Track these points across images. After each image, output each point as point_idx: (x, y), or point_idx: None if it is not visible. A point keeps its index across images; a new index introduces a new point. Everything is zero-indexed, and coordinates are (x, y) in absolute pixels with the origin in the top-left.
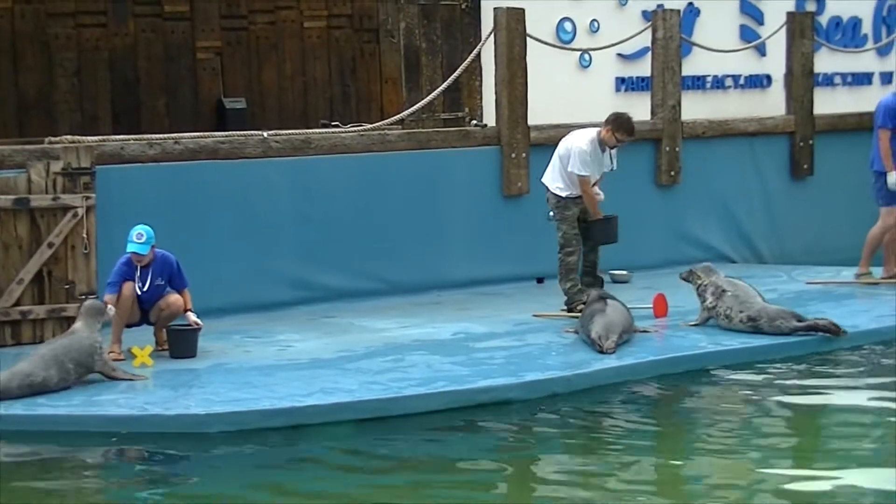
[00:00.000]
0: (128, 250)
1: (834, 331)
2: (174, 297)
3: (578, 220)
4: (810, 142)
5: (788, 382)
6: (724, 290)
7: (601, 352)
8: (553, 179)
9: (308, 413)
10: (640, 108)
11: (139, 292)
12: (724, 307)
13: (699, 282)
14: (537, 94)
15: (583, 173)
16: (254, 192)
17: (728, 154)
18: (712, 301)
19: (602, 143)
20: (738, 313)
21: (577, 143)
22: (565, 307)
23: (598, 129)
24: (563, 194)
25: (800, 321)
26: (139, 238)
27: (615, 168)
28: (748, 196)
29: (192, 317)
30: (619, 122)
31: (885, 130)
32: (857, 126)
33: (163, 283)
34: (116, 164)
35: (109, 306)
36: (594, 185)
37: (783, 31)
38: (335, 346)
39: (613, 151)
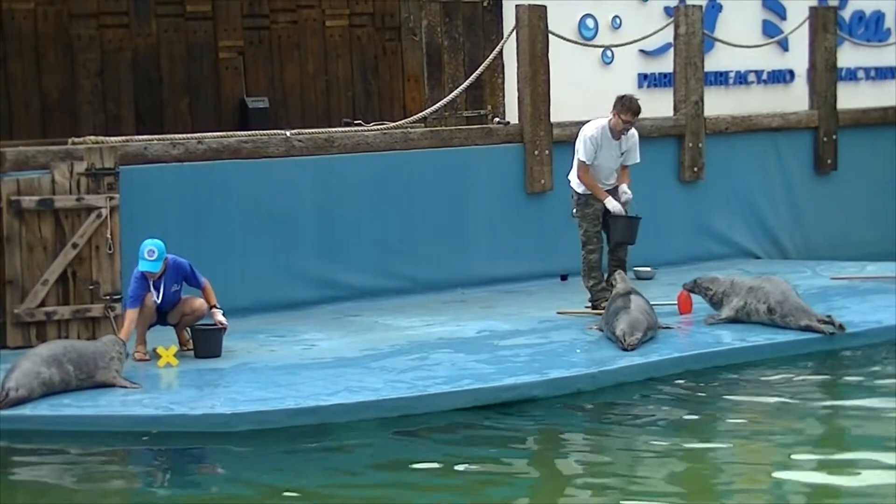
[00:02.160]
0: (140, 269)
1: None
2: (199, 302)
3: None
4: (834, 137)
5: (814, 378)
6: (750, 288)
7: (624, 349)
8: (573, 176)
9: (333, 412)
10: (662, 105)
11: (157, 301)
12: (752, 304)
13: (710, 293)
14: (560, 91)
15: (582, 158)
16: (277, 192)
17: (751, 149)
18: (738, 301)
19: (613, 130)
20: (760, 305)
21: (585, 130)
22: (589, 304)
23: (608, 118)
24: (581, 189)
25: (810, 320)
26: (150, 255)
27: (637, 160)
28: (772, 191)
29: (218, 315)
30: (621, 103)
31: None
32: (880, 120)
33: (178, 288)
34: (140, 165)
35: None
36: (620, 178)
37: (806, 26)
38: (360, 345)
39: (631, 141)
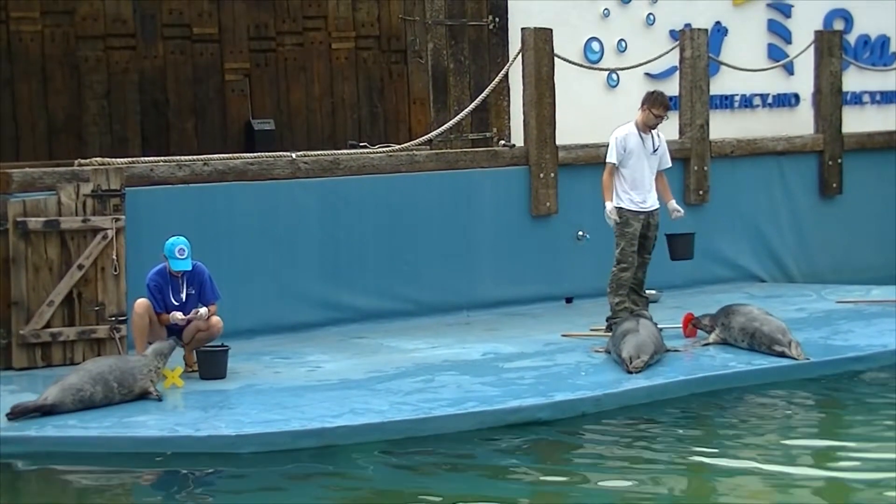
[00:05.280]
0: (173, 269)
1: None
2: (215, 319)
3: (644, 235)
4: (839, 160)
5: (820, 402)
6: (724, 321)
7: (629, 371)
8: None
9: (338, 434)
10: (668, 128)
11: (175, 303)
12: (730, 336)
13: (703, 327)
14: (565, 114)
15: (608, 159)
16: (283, 213)
17: (757, 173)
18: (719, 333)
19: (640, 127)
20: (738, 332)
21: (614, 133)
22: (606, 321)
23: (634, 119)
24: (622, 205)
25: (778, 345)
26: (181, 254)
27: (669, 164)
28: (777, 215)
29: (202, 310)
30: (652, 98)
31: None
32: (885, 144)
33: (194, 292)
34: (146, 186)
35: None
36: (658, 182)
37: (811, 50)
38: (365, 367)
39: (661, 144)
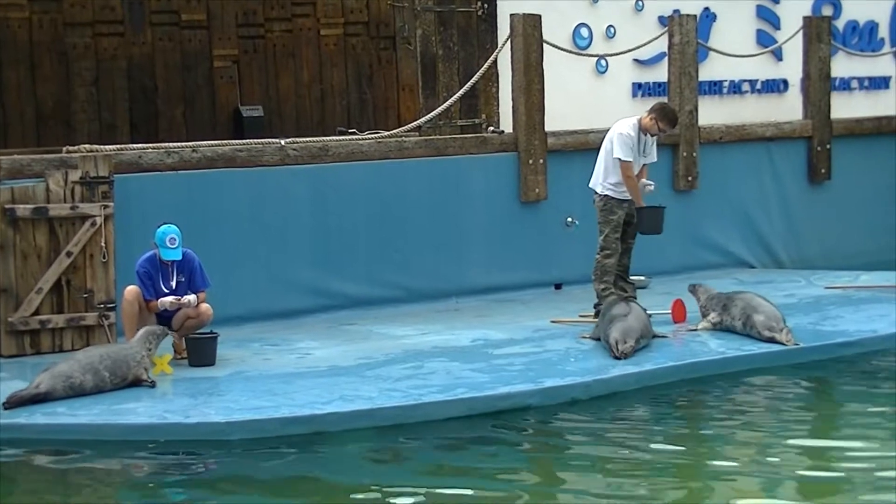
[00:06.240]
0: (163, 258)
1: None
2: (205, 307)
3: (627, 222)
4: (828, 146)
5: (809, 387)
6: (726, 303)
7: (616, 357)
8: (600, 179)
9: (328, 420)
10: None
11: (166, 291)
12: (728, 318)
13: (699, 303)
14: (554, 101)
15: (627, 158)
16: (271, 200)
17: (745, 159)
18: (715, 317)
19: (641, 129)
20: (739, 312)
21: (619, 129)
22: (594, 308)
23: (638, 116)
24: (607, 193)
25: (769, 331)
26: (172, 243)
27: (655, 159)
28: (766, 201)
29: (189, 296)
30: (664, 112)
31: None
32: (874, 130)
33: (184, 280)
34: (134, 173)
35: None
36: (639, 176)
37: (800, 36)
38: (354, 354)
39: (653, 141)
